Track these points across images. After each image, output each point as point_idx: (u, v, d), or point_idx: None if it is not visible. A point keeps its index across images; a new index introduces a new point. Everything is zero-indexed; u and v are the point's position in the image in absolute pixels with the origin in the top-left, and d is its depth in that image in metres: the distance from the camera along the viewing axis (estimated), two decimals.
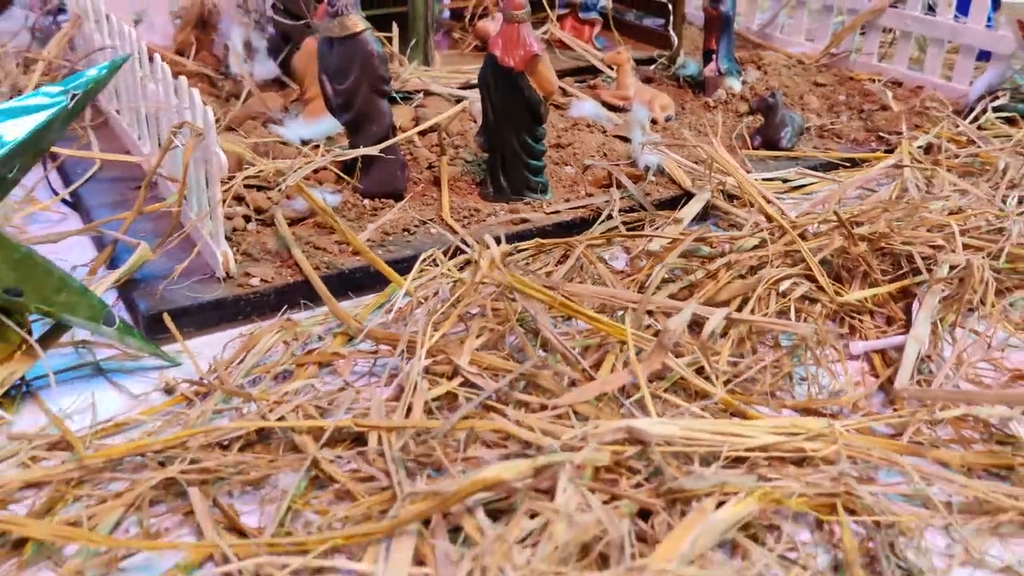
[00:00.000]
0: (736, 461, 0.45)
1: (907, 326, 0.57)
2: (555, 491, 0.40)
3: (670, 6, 1.04)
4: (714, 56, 0.94)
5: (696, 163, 0.77)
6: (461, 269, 0.64)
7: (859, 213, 0.62)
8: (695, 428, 0.45)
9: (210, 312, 0.59)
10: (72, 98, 0.52)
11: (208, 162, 0.59)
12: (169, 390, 0.54)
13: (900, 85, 1.00)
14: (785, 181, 0.77)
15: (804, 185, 0.78)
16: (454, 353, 0.52)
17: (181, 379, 0.54)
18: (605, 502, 0.42)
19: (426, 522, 0.41)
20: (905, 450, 0.47)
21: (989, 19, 0.95)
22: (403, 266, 0.63)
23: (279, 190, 0.65)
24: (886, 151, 0.83)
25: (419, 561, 0.40)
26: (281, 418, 0.49)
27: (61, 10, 1.03)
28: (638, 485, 0.43)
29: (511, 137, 0.71)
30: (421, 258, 0.63)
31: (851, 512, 0.43)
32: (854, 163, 0.82)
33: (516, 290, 0.52)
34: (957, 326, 0.56)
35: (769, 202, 0.68)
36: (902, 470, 0.45)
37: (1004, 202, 0.66)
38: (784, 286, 0.57)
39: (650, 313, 0.55)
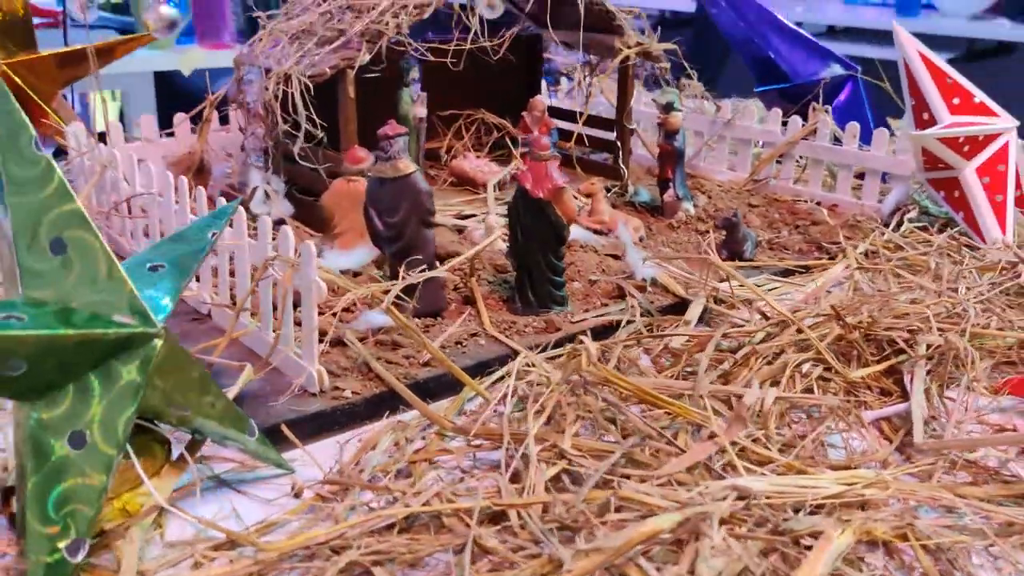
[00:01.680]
0: (816, 507, 0.56)
1: (903, 396, 0.70)
2: (697, 539, 0.49)
3: (619, 143, 1.19)
4: (671, 184, 1.08)
5: (684, 273, 0.90)
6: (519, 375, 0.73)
7: (845, 307, 0.75)
8: (781, 484, 0.56)
9: (311, 423, 0.66)
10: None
11: (308, 290, 0.66)
12: (297, 493, 0.60)
13: (818, 204, 1.17)
14: (759, 286, 0.90)
15: (773, 288, 0.91)
16: (556, 439, 0.61)
17: (310, 481, 0.60)
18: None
19: None
20: (938, 490, 0.59)
21: (867, 137, 1.15)
22: (467, 372, 0.72)
23: (357, 308, 0.73)
24: (829, 258, 0.98)
25: None
26: (426, 503, 0.56)
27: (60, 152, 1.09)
28: (749, 531, 0.53)
29: (538, 257, 0.82)
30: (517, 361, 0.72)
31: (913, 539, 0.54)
32: (807, 269, 0.96)
33: (610, 382, 0.61)
34: (944, 393, 0.69)
35: (764, 301, 0.81)
36: (945, 505, 0.56)
37: (954, 292, 0.81)
38: (804, 368, 0.69)
39: (702, 397, 0.66)
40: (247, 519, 0.57)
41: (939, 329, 0.72)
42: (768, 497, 0.54)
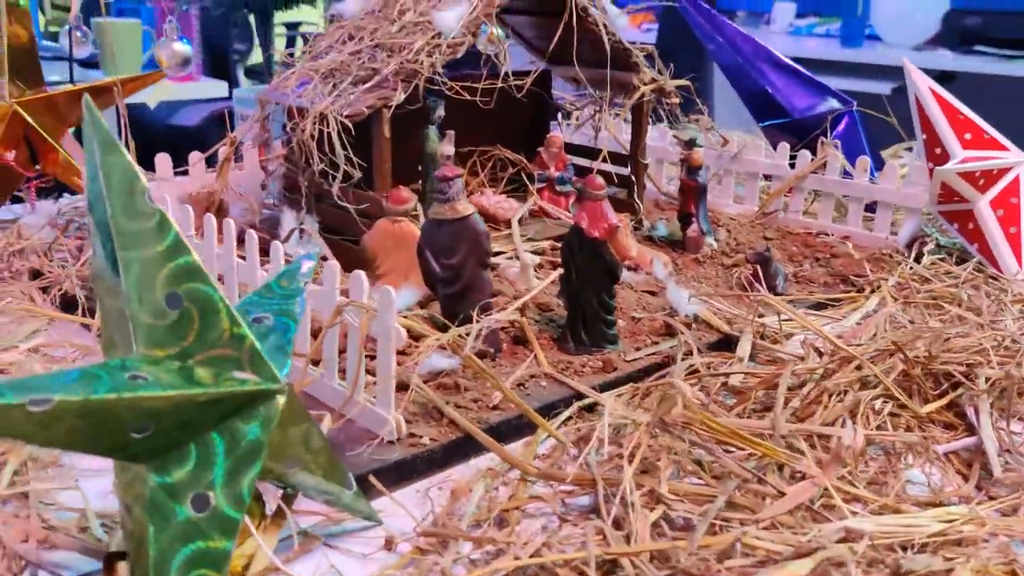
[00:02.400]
0: (921, 546, 0.56)
1: (967, 430, 0.71)
2: None
3: (633, 178, 1.20)
4: (694, 219, 1.09)
5: (726, 309, 0.91)
6: (583, 412, 0.73)
7: (904, 342, 0.76)
8: (885, 524, 0.56)
9: (394, 472, 0.65)
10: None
11: (386, 336, 0.65)
12: (391, 547, 0.59)
13: (830, 235, 1.19)
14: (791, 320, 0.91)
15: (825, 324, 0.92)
16: (651, 483, 0.60)
17: (404, 534, 0.59)
18: None
19: None
20: None
21: (873, 171, 1.18)
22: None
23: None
24: (857, 291, 1.00)
25: None
26: (535, 554, 0.55)
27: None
28: (865, 572, 0.53)
29: (591, 296, 0.82)
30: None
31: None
32: (837, 302, 0.98)
33: (707, 426, 0.61)
34: (1009, 426, 0.71)
35: (812, 334, 0.82)
36: None
37: (996, 324, 0.83)
38: (876, 405, 0.70)
39: (783, 437, 0.66)
40: (349, 575, 0.56)
41: (998, 362, 0.73)
42: (874, 538, 0.54)
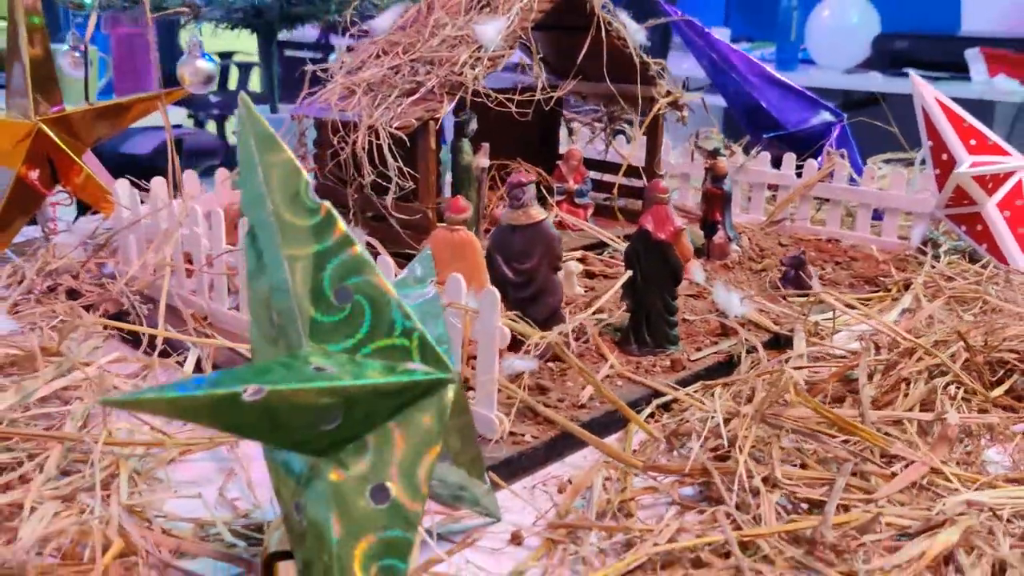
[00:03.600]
0: None
1: None
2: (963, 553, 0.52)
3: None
4: (720, 226, 1.12)
5: (774, 309, 0.93)
6: (661, 410, 0.75)
7: (967, 331, 0.80)
8: (999, 496, 0.59)
9: (501, 469, 0.65)
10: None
11: (491, 337, 0.66)
12: (518, 541, 0.59)
13: (838, 242, 1.24)
14: (830, 319, 0.94)
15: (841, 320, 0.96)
16: (761, 471, 0.62)
17: (530, 527, 0.59)
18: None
19: None
20: None
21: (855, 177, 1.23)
22: (617, 413, 0.72)
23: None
24: (885, 291, 1.04)
25: None
26: (672, 539, 0.56)
27: None
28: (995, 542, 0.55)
29: (656, 298, 0.83)
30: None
31: None
32: (867, 301, 1.01)
33: (820, 413, 0.63)
34: None
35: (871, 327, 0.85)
36: None
37: None
38: (950, 391, 0.73)
39: (873, 424, 0.69)
40: (490, 570, 0.56)
41: None
42: (994, 510, 0.57)
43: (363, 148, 0.91)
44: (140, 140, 3.06)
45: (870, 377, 0.77)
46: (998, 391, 0.75)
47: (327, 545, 0.46)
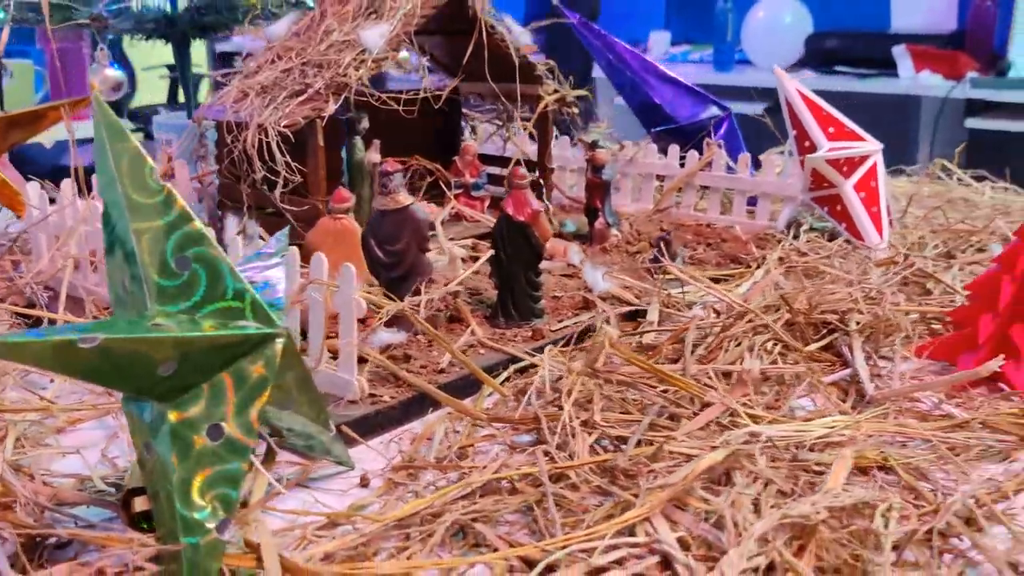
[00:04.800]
0: (811, 448, 0.68)
1: (844, 365, 0.84)
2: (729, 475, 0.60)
3: (542, 182, 1.32)
4: (600, 213, 1.21)
5: (636, 284, 1.02)
6: (517, 374, 0.83)
7: (789, 296, 0.89)
8: (782, 430, 0.68)
9: (358, 426, 0.73)
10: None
11: (348, 308, 0.74)
12: (365, 484, 0.67)
13: (710, 226, 1.33)
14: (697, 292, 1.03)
15: (705, 293, 1.05)
16: (585, 416, 0.71)
17: (375, 471, 0.67)
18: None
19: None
20: (898, 428, 0.72)
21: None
22: (474, 377, 0.81)
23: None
24: (746, 267, 1.13)
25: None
26: (496, 472, 0.64)
27: None
28: (771, 463, 0.64)
29: (520, 275, 0.92)
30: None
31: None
32: (729, 276, 1.11)
33: (630, 360, 0.72)
34: (877, 356, 0.84)
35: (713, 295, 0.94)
36: (902, 439, 0.70)
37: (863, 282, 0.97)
38: (767, 347, 0.82)
39: (693, 376, 0.78)
40: (336, 507, 0.64)
41: (864, 310, 0.87)
42: (775, 440, 0.66)
43: (253, 146, 0.98)
44: (83, 152, 3.10)
45: (706, 338, 0.86)
46: (813, 346, 0.85)
47: (170, 477, 0.53)
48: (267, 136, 0.98)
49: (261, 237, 1.00)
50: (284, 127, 0.99)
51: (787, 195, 1.28)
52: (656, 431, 0.70)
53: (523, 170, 0.92)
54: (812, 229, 1.27)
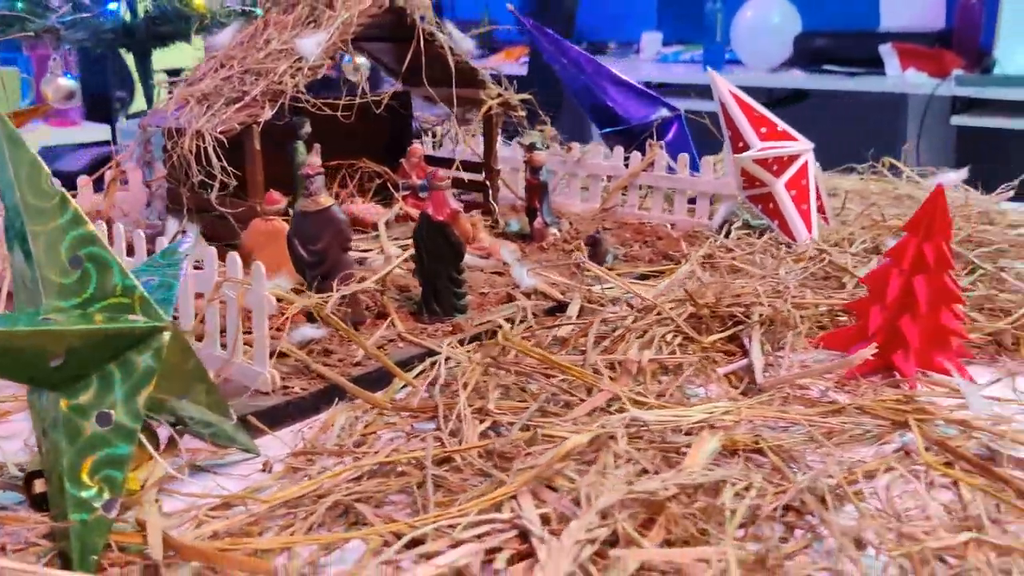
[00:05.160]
0: (688, 432, 0.72)
1: (745, 355, 0.88)
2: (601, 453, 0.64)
3: (488, 183, 1.36)
4: (539, 212, 1.25)
5: (562, 281, 1.06)
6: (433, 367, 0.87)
7: (695, 291, 0.93)
8: (663, 415, 0.72)
9: (267, 416, 0.77)
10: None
11: (260, 304, 0.78)
12: (268, 468, 0.71)
13: (645, 224, 1.37)
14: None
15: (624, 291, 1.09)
16: (481, 404, 0.75)
17: (277, 457, 0.71)
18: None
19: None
20: (777, 413, 0.76)
21: (695, 166, 1.36)
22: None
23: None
24: (676, 263, 1.17)
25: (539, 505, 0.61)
26: (387, 456, 0.68)
27: None
28: (642, 446, 0.68)
29: (442, 272, 0.96)
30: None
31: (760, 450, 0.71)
32: (658, 273, 1.15)
33: (522, 352, 0.76)
34: (775, 351, 0.88)
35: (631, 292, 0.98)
36: (784, 424, 0.74)
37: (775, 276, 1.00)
38: (668, 338, 0.86)
39: (592, 366, 0.82)
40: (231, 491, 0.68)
41: (768, 303, 0.91)
42: (653, 425, 0.70)
43: (190, 151, 1.02)
44: (70, 158, 3.16)
45: (614, 331, 0.90)
46: (713, 337, 0.88)
47: (61, 460, 0.57)
48: (204, 141, 1.03)
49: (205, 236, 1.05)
50: (220, 133, 1.03)
51: (724, 194, 1.32)
52: (550, 417, 0.74)
53: (442, 172, 0.96)
54: (750, 226, 1.30)
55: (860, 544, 0.59)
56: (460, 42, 1.27)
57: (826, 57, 3.80)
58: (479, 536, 0.58)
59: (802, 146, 1.26)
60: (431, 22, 1.23)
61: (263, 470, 0.71)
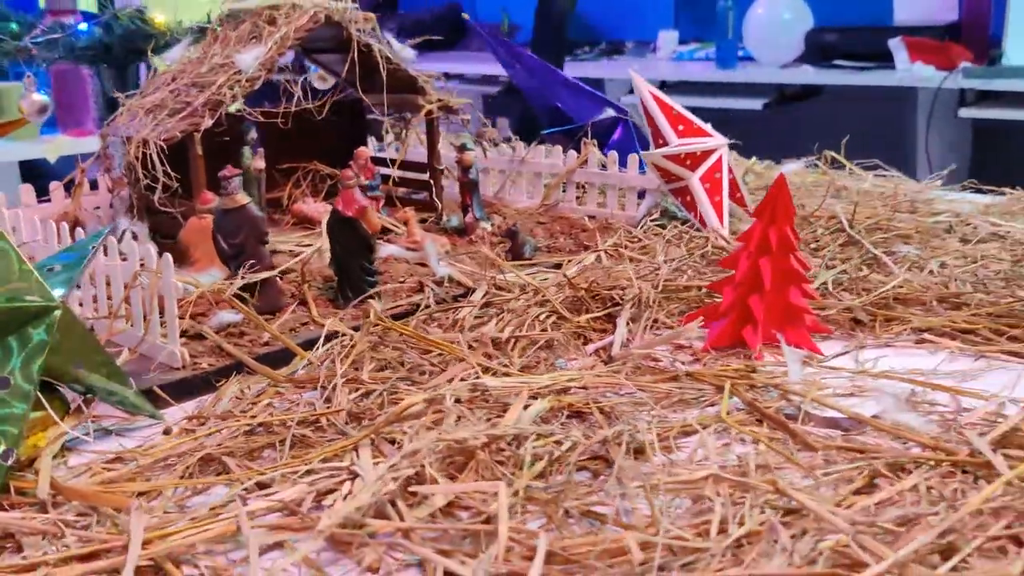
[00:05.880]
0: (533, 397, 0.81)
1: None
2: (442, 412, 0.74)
3: (431, 181, 1.46)
4: (470, 208, 1.35)
5: (475, 270, 1.16)
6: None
7: (577, 277, 1.02)
8: (510, 381, 0.81)
9: (176, 388, 0.88)
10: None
11: (169, 290, 0.89)
12: (167, 432, 0.82)
13: (594, 217, 1.46)
14: (533, 275, 1.16)
15: (545, 277, 1.18)
16: (357, 375, 0.85)
17: (176, 421, 0.82)
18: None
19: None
20: (616, 379, 0.85)
21: (642, 166, 1.44)
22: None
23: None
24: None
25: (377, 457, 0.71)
26: (263, 421, 0.79)
27: None
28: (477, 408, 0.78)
29: (354, 264, 1.06)
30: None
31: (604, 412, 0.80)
32: (570, 261, 1.24)
33: (390, 328, 0.86)
34: (643, 326, 0.97)
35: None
36: (628, 391, 0.83)
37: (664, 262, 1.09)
38: (541, 317, 0.96)
39: (466, 342, 0.91)
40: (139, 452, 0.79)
41: (642, 287, 1.00)
42: (495, 391, 0.80)
43: (136, 158, 1.14)
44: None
45: (501, 313, 0.99)
46: (585, 317, 0.98)
47: None
48: (148, 148, 1.14)
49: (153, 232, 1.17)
50: (163, 140, 1.15)
51: (650, 188, 1.41)
52: (415, 386, 0.84)
53: (350, 172, 1.06)
54: (675, 217, 1.39)
55: (651, 485, 0.68)
56: (399, 51, 1.38)
57: (837, 52, 3.83)
58: (316, 479, 0.68)
59: (716, 142, 1.35)
60: (369, 33, 1.34)
61: (164, 433, 0.82)
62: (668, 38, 4.67)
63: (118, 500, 0.66)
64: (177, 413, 0.85)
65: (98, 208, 1.37)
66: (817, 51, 3.83)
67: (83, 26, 1.38)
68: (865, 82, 3.57)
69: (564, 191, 1.52)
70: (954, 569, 0.55)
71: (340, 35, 1.33)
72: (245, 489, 0.70)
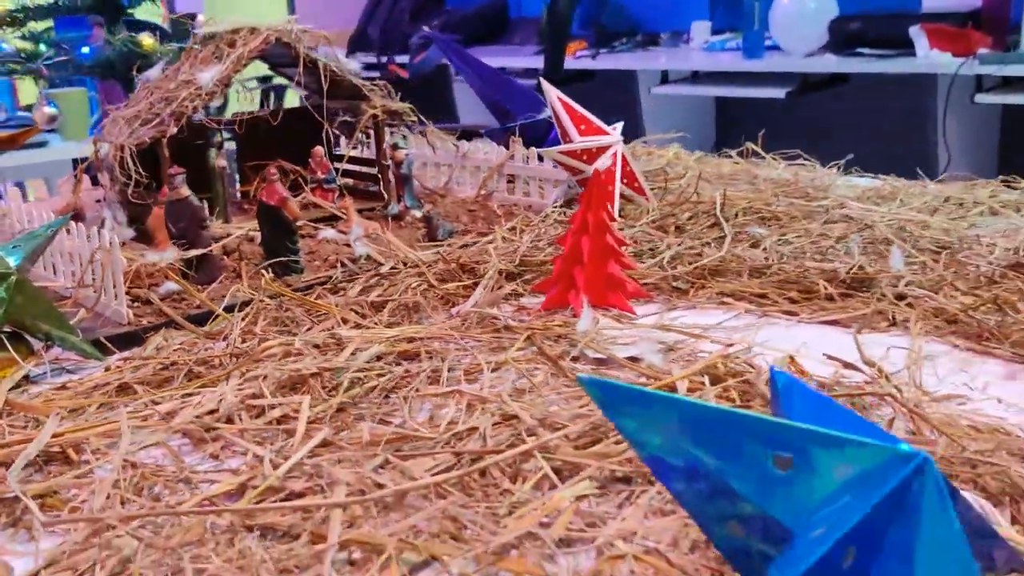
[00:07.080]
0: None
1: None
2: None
3: (379, 175, 1.70)
4: (402, 198, 1.59)
5: (383, 252, 1.40)
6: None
7: (449, 251, 1.25)
8: (366, 334, 1.05)
9: (120, 340, 1.13)
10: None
11: (116, 262, 1.15)
12: (108, 369, 1.07)
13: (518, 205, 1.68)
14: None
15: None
16: (252, 329, 1.09)
17: (113, 361, 1.08)
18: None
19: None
20: (449, 333, 1.08)
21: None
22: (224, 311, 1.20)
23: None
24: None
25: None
26: (171, 363, 1.04)
27: None
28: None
29: (279, 244, 1.31)
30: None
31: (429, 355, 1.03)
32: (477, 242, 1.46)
33: (278, 293, 1.10)
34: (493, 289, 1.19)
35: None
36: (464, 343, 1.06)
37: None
38: (413, 284, 1.19)
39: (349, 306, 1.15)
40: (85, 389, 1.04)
41: (499, 258, 1.22)
42: (348, 339, 1.03)
43: (115, 159, 1.40)
44: None
45: (383, 281, 1.23)
46: (451, 285, 1.20)
47: None
48: (124, 152, 1.40)
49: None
50: (136, 145, 1.41)
51: (560, 179, 1.62)
52: (293, 335, 1.08)
53: (273, 168, 1.30)
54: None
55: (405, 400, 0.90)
56: (345, 65, 1.62)
57: (860, 40, 3.92)
58: (188, 397, 0.93)
59: (611, 139, 1.56)
60: (315, 50, 1.58)
61: (105, 370, 1.07)
62: (701, 28, 4.81)
63: (46, 409, 0.91)
64: (119, 359, 1.10)
65: (99, 200, 1.65)
66: (841, 39, 3.93)
67: (85, 49, 1.66)
68: (885, 69, 3.67)
69: (497, 182, 1.75)
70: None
71: (294, 52, 1.58)
72: (144, 405, 0.95)
